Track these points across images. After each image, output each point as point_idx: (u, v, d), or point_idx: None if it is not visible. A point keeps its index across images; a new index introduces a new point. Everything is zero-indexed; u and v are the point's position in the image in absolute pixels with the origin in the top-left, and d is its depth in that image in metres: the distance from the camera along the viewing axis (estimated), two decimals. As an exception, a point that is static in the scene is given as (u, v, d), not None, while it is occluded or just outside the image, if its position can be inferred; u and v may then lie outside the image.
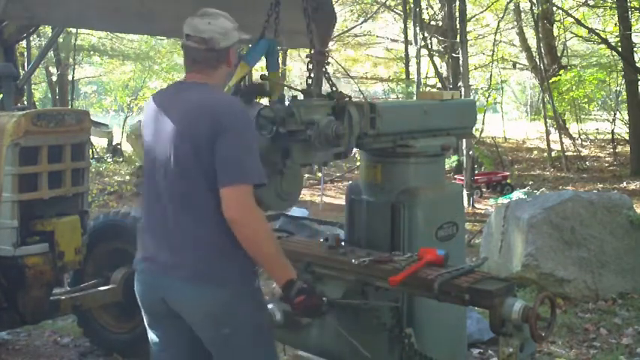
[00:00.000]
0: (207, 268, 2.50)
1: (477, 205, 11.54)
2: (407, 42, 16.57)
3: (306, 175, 14.08)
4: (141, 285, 2.67)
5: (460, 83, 11.73)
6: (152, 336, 2.77)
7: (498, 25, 17.17)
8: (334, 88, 3.23)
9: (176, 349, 2.71)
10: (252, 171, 2.45)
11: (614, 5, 14.99)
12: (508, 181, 13.34)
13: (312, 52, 3.34)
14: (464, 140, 10.71)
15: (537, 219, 6.07)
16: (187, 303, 2.54)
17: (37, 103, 20.20)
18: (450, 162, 13.22)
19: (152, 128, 2.63)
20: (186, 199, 2.51)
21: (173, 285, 2.53)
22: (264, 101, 3.23)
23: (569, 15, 17.11)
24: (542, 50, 17.97)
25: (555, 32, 19.41)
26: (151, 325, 2.75)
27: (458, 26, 12.96)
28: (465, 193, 10.11)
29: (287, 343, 3.54)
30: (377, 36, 22.06)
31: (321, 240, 3.47)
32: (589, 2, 16.25)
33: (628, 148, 15.51)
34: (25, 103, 10.57)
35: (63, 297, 4.48)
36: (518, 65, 21.59)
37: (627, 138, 16.17)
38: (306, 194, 12.65)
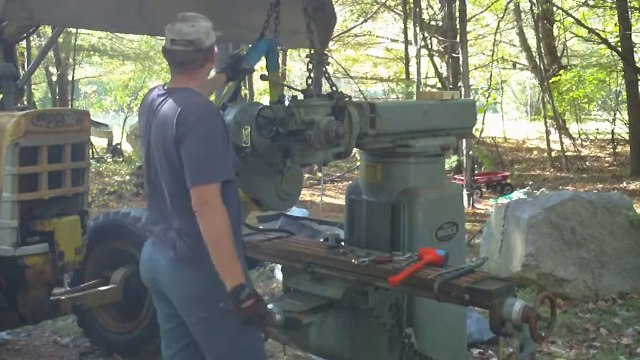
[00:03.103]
0: (188, 252, 2.68)
1: (477, 205, 11.54)
2: (407, 42, 16.55)
3: (306, 175, 14.08)
4: (141, 264, 2.97)
5: (460, 83, 11.71)
6: (157, 307, 3.03)
7: (498, 25, 17.16)
8: (334, 88, 3.23)
9: (176, 324, 2.91)
10: (213, 170, 2.59)
11: (614, 5, 14.97)
12: (508, 181, 13.34)
13: (312, 52, 3.35)
14: (464, 140, 10.71)
15: (537, 219, 6.07)
16: (171, 284, 2.77)
17: (37, 103, 20.20)
18: (450, 162, 13.21)
19: (144, 133, 2.83)
20: (170, 196, 2.72)
21: (161, 266, 2.77)
22: (265, 101, 3.24)
23: (569, 15, 17.09)
24: (542, 50, 17.97)
25: (555, 32, 19.40)
26: (155, 299, 3.02)
27: (458, 26, 12.96)
28: (465, 193, 10.11)
29: (287, 343, 3.54)
30: (377, 36, 22.04)
31: (321, 240, 3.47)
32: (589, 2, 16.23)
33: (628, 148, 15.49)
34: (25, 103, 10.58)
35: (63, 297, 4.48)
36: (518, 65, 21.58)
37: (627, 138, 16.15)
38: (306, 194, 12.65)
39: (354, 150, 3.27)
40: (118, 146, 19.26)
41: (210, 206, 2.55)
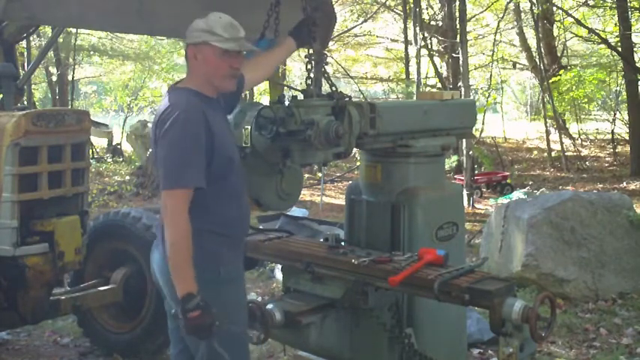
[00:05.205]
0: None
1: (477, 205, 11.53)
2: (407, 42, 16.55)
3: (306, 175, 14.08)
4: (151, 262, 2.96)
5: (460, 83, 11.71)
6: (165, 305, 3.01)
7: (498, 25, 17.15)
8: (334, 88, 3.23)
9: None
10: (178, 177, 2.59)
11: (614, 5, 14.96)
12: (508, 181, 13.32)
13: (312, 51, 3.34)
14: (464, 140, 10.70)
15: (537, 219, 6.07)
16: (161, 280, 2.79)
17: (37, 103, 20.20)
18: (450, 162, 13.20)
19: None
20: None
21: (156, 262, 2.81)
22: (265, 101, 3.24)
23: (569, 15, 17.10)
24: (542, 50, 17.96)
25: (555, 32, 19.40)
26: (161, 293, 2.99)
27: (458, 26, 12.96)
28: (465, 193, 10.11)
29: (287, 343, 3.55)
30: (377, 36, 22.03)
31: (321, 240, 3.47)
32: (589, 2, 16.23)
33: (628, 148, 15.48)
34: (25, 103, 10.58)
35: (63, 297, 4.48)
36: (518, 65, 21.57)
37: (627, 138, 16.15)
38: (306, 194, 12.64)
39: (354, 150, 3.27)
40: (118, 146, 19.27)
41: (170, 212, 2.56)
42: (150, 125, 16.70)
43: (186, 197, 2.58)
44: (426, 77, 18.83)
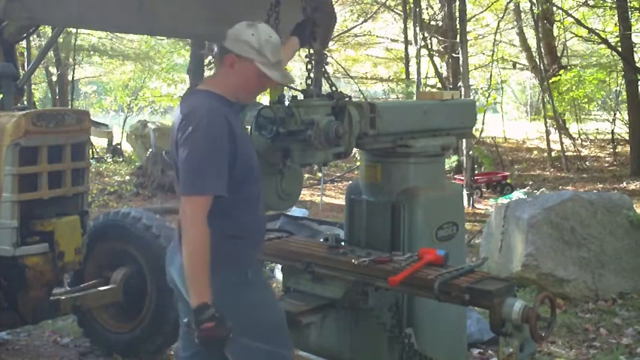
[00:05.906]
0: None
1: (477, 205, 11.53)
2: (407, 42, 16.57)
3: (306, 175, 14.08)
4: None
5: (460, 83, 11.71)
6: (178, 307, 2.94)
7: (498, 25, 17.16)
8: (334, 88, 3.23)
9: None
10: (197, 183, 2.52)
11: (614, 5, 14.97)
12: (508, 181, 13.32)
13: (312, 51, 3.35)
14: (464, 140, 10.71)
15: (537, 219, 6.07)
16: (180, 283, 2.72)
17: (37, 103, 20.20)
18: (450, 162, 13.21)
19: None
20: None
21: (175, 265, 2.72)
22: (265, 101, 3.23)
23: (569, 15, 17.10)
24: (542, 50, 17.97)
25: (555, 32, 19.41)
26: (177, 299, 2.93)
27: (458, 26, 12.96)
28: (465, 193, 10.10)
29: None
30: (377, 36, 22.04)
31: (321, 240, 3.47)
32: (589, 2, 16.24)
33: (628, 148, 15.49)
34: (25, 103, 10.58)
35: (63, 297, 4.48)
36: (518, 65, 21.58)
37: (627, 138, 16.16)
38: (306, 194, 12.64)
39: (354, 150, 3.27)
40: (118, 146, 19.27)
41: (188, 218, 2.51)
42: (150, 125, 16.75)
43: (206, 204, 2.51)
44: (426, 77, 18.84)
